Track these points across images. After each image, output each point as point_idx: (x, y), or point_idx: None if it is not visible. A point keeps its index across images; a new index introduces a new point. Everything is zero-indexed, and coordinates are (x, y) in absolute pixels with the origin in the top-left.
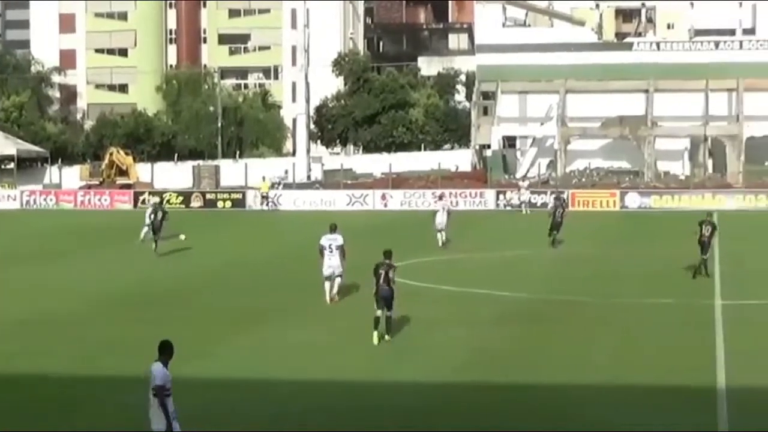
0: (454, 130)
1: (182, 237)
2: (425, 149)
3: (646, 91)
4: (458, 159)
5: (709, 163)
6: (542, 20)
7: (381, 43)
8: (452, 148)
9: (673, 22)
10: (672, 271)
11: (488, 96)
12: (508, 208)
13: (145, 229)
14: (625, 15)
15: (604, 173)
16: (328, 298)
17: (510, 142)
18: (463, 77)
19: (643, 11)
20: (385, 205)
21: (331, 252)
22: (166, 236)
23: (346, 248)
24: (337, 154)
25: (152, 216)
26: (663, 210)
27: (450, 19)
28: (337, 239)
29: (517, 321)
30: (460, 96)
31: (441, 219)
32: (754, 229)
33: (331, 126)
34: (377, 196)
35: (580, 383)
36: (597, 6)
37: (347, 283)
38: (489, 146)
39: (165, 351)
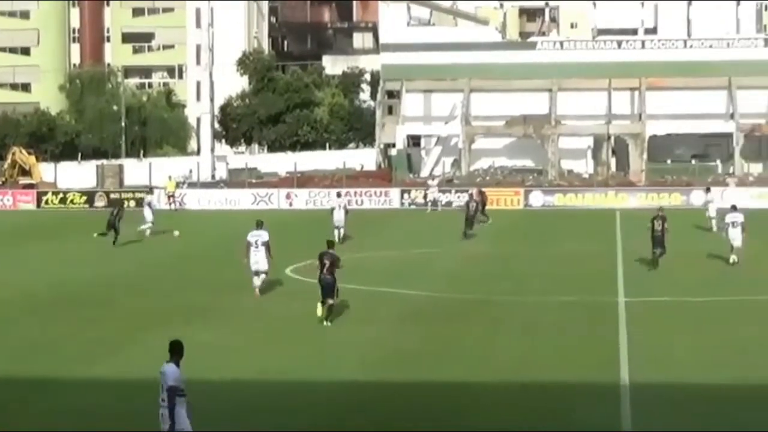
0: (358, 129)
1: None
2: (330, 148)
3: (550, 90)
4: (363, 158)
5: (612, 161)
6: (446, 19)
7: (285, 42)
8: (357, 147)
9: (576, 21)
10: (576, 268)
11: (393, 95)
12: (413, 206)
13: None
14: (528, 14)
15: (508, 172)
16: (257, 292)
17: (415, 141)
18: (367, 76)
19: (547, 11)
20: (290, 204)
21: (257, 248)
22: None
23: (272, 244)
24: (242, 153)
25: (112, 213)
26: (567, 208)
27: (354, 18)
28: (263, 235)
29: (421, 319)
30: (364, 95)
31: (339, 216)
32: None
33: (236, 125)
34: (282, 195)
35: (483, 381)
36: (501, 5)
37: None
38: (394, 145)
39: (177, 351)
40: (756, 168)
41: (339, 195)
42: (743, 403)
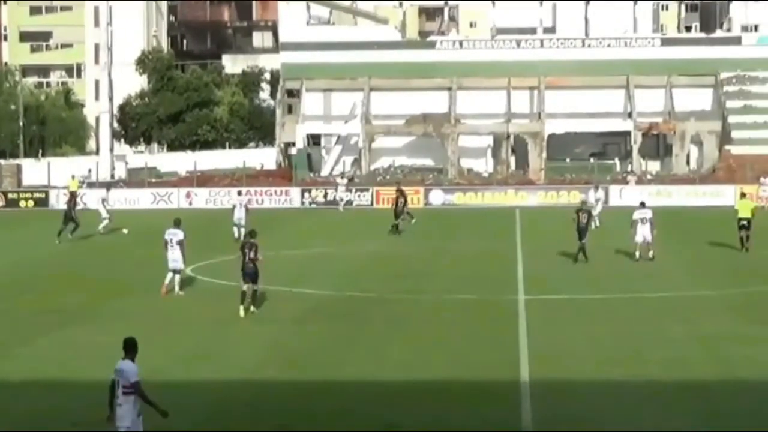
0: (258, 128)
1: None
2: (230, 147)
3: (450, 88)
4: (263, 157)
5: (512, 160)
6: (346, 18)
7: (185, 41)
8: (257, 146)
9: (475, 20)
10: (476, 267)
11: (293, 94)
12: (313, 206)
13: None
14: (428, 13)
15: (408, 170)
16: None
17: (315, 140)
18: (267, 75)
19: (446, 10)
20: (190, 203)
21: (173, 246)
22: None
23: (186, 243)
24: (142, 152)
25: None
26: (467, 207)
27: (254, 17)
28: (178, 234)
29: (321, 318)
30: (264, 94)
31: (239, 214)
32: (556, 224)
33: (135, 124)
34: (182, 194)
35: (381, 380)
36: (400, 4)
37: (153, 280)
38: (294, 144)
39: (133, 348)
40: (654, 166)
41: (240, 193)
42: (638, 399)
